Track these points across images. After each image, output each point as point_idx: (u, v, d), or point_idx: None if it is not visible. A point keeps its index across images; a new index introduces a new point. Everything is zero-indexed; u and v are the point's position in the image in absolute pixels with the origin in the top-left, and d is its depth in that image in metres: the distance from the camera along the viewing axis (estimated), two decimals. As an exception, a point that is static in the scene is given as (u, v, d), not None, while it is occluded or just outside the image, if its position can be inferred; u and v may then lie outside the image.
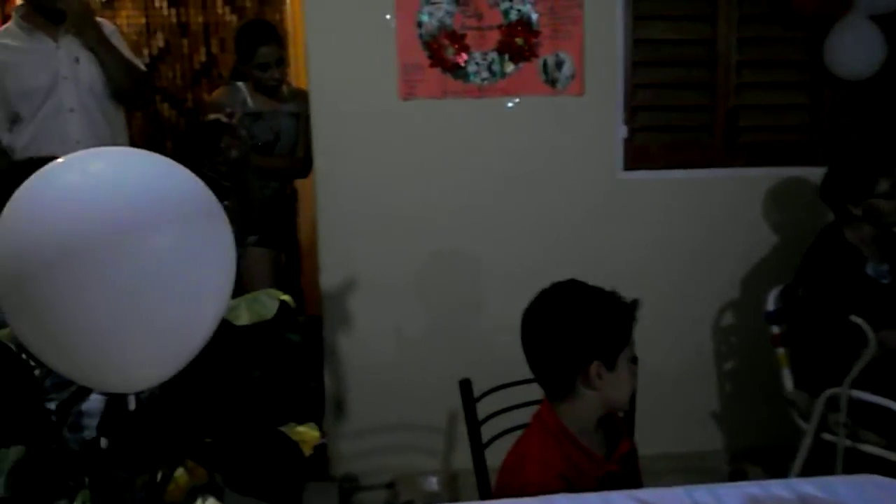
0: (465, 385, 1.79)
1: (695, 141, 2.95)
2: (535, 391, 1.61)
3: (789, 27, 2.89)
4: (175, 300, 0.87)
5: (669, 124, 2.95)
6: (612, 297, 1.50)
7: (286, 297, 1.12)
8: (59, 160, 0.90)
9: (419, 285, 2.80)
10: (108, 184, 0.86)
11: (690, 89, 2.94)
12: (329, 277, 2.77)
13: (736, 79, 2.90)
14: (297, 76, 3.48)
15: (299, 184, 3.26)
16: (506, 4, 2.74)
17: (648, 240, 2.88)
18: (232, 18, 4.18)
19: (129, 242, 0.83)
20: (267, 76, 2.91)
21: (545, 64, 2.77)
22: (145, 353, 0.88)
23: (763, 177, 2.92)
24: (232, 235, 0.93)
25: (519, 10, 2.74)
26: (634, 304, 1.51)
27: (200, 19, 4.19)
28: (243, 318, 1.00)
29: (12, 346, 1.04)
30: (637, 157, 2.89)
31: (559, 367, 1.47)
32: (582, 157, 2.82)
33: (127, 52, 2.83)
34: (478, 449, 1.80)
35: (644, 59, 2.85)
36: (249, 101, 2.95)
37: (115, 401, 0.91)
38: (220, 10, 4.28)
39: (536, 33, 2.76)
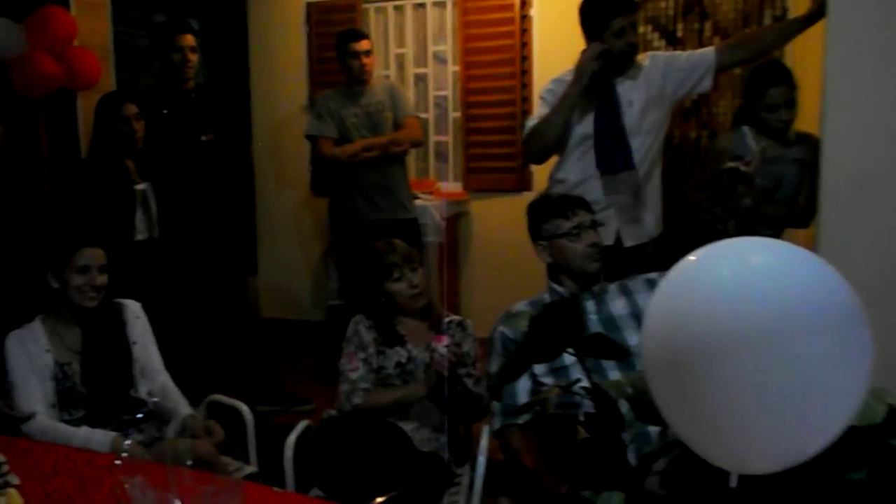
0: None
1: None
2: None
3: None
4: (808, 405, 0.87)
5: None
6: None
7: (892, 402, 1.05)
8: (719, 245, 0.94)
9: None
10: (764, 281, 0.89)
11: None
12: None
13: None
14: (801, 120, 3.29)
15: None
16: None
17: None
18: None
19: (774, 345, 0.85)
20: (774, 118, 2.81)
21: None
22: (766, 447, 0.90)
23: None
24: (872, 345, 0.89)
25: None
26: None
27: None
28: (855, 420, 0.95)
29: (612, 396, 1.14)
30: None
31: None
32: None
33: None
34: None
35: None
36: (753, 145, 2.87)
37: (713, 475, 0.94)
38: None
39: None
